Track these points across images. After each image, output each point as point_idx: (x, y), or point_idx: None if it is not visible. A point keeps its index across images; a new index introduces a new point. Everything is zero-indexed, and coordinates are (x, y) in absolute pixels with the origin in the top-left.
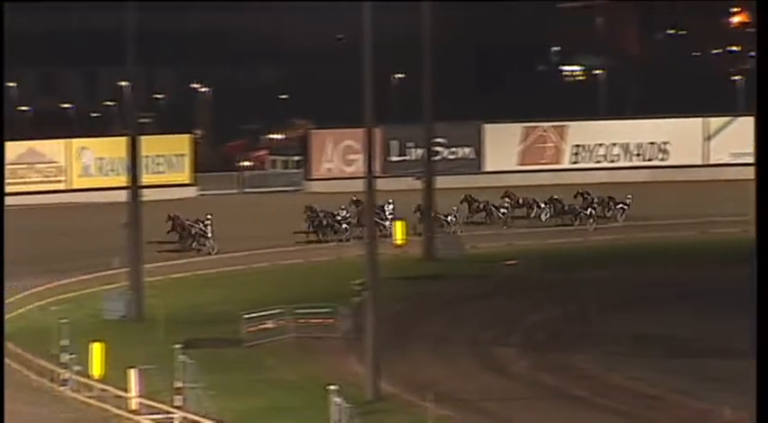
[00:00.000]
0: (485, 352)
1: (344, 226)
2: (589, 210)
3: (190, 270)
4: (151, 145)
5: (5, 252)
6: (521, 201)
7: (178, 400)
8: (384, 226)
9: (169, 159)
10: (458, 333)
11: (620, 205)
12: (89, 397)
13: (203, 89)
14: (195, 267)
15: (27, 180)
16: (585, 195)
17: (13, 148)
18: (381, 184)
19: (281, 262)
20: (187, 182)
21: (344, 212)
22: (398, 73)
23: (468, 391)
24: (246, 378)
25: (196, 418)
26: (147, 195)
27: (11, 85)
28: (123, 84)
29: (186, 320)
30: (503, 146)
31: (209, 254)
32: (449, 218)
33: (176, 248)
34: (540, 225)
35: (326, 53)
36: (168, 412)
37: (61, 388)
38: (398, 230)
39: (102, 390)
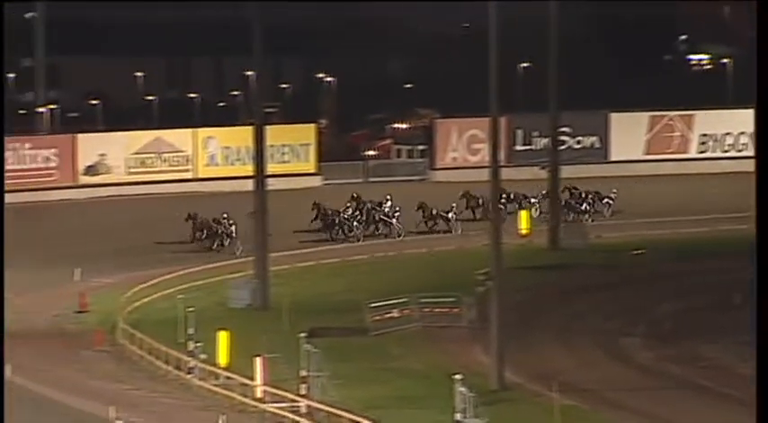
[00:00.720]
0: (610, 342)
1: (355, 223)
2: (584, 205)
3: (315, 259)
4: (276, 134)
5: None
6: (511, 196)
7: (303, 389)
8: (389, 223)
9: (294, 149)
10: (582, 323)
11: (606, 200)
12: (215, 385)
13: (328, 79)
14: (320, 256)
15: (154, 169)
16: (573, 190)
17: (141, 138)
18: (506, 173)
19: (406, 251)
20: (312, 171)
21: (350, 210)
22: (524, 62)
23: (593, 382)
24: (372, 367)
25: (321, 406)
26: (273, 184)
27: (138, 74)
28: (249, 73)
29: (311, 309)
30: (629, 135)
31: (234, 254)
32: (449, 214)
33: (197, 248)
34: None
35: (452, 42)
36: (293, 401)
37: (188, 376)
38: (524, 220)
39: (228, 378)
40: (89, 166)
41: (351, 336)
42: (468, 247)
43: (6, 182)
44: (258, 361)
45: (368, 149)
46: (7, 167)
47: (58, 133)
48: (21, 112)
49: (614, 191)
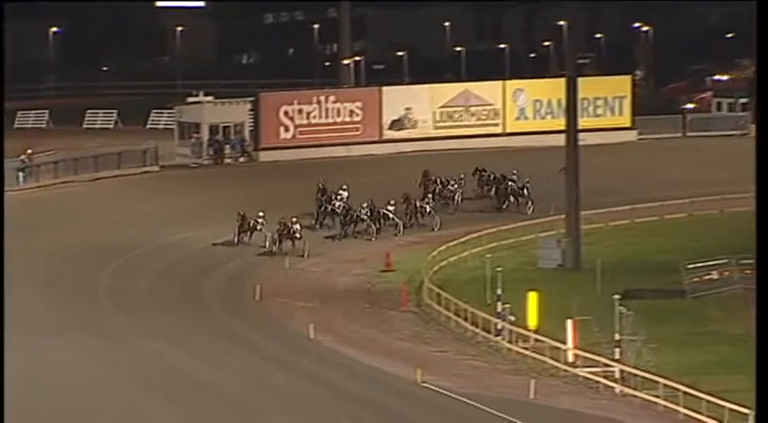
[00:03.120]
0: None
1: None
2: (524, 189)
3: (629, 217)
4: (589, 86)
5: None
6: (439, 180)
7: (617, 353)
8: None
9: (608, 102)
10: None
11: (510, 181)
12: (524, 348)
13: (645, 28)
14: (635, 215)
15: (461, 123)
16: (483, 172)
17: (448, 90)
18: None
19: (730, 209)
20: (627, 125)
21: (346, 195)
22: None
23: None
24: (689, 331)
25: (636, 371)
26: (585, 139)
27: (446, 24)
28: (562, 23)
29: (625, 270)
30: None
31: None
32: (426, 208)
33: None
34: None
35: None
36: (606, 365)
37: (496, 338)
38: None
39: (538, 340)
40: (394, 120)
41: (667, 298)
42: None
43: (311, 136)
44: (569, 324)
45: (686, 102)
46: (311, 122)
47: (362, 86)
48: (325, 64)
49: (515, 172)
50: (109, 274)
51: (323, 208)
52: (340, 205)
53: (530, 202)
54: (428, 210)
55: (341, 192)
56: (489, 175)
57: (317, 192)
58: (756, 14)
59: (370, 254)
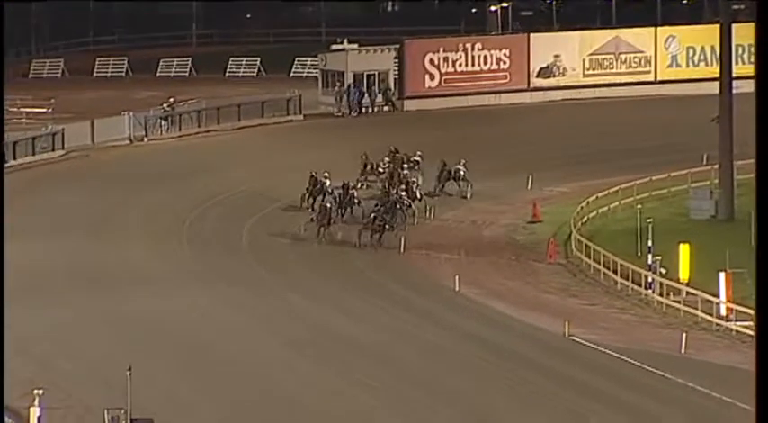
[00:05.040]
0: None
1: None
2: (462, 171)
3: None
4: (744, 33)
5: None
6: (374, 166)
7: None
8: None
9: None
10: None
11: (414, 162)
12: (675, 301)
13: None
14: None
15: (611, 71)
16: (395, 153)
17: (598, 37)
18: None
19: None
20: None
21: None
22: None
23: None
24: None
25: None
26: (739, 87)
27: None
28: None
29: None
30: None
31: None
32: (417, 193)
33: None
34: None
35: None
36: None
37: (646, 291)
38: None
39: (689, 293)
40: (542, 68)
41: None
42: None
43: (456, 85)
44: (722, 276)
45: None
46: (457, 70)
47: (510, 33)
48: (472, 11)
49: (419, 153)
50: (252, 225)
51: (342, 199)
52: (352, 194)
53: (469, 186)
54: (418, 195)
55: (321, 179)
56: (402, 157)
57: (308, 182)
58: (756, 14)
59: (516, 205)
